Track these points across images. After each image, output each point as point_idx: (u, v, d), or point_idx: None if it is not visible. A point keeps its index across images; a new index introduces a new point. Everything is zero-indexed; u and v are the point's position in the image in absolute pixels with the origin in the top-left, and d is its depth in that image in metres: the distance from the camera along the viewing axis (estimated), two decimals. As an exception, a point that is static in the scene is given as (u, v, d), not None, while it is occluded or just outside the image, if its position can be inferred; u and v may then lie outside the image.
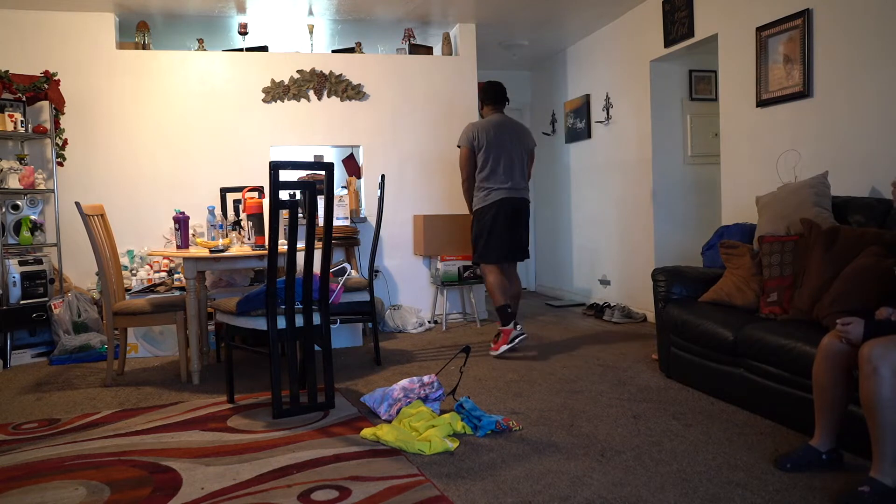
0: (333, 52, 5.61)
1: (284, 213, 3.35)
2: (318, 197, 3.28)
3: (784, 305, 3.08)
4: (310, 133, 5.42)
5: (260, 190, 4.48)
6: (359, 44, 5.60)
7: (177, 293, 4.41)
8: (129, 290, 4.56)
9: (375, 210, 4.41)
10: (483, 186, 4.28)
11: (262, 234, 3.72)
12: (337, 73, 5.40)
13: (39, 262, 4.54)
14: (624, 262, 5.71)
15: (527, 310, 6.02)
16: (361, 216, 5.41)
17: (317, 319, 3.17)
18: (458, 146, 4.39)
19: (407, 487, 2.25)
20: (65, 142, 4.91)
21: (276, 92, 5.30)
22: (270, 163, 2.82)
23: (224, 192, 4.79)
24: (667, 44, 4.95)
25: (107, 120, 5.03)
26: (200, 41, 5.28)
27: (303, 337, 3.13)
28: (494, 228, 4.23)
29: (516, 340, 4.16)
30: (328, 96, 5.42)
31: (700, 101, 5.32)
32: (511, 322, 4.19)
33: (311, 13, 5.23)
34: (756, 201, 3.62)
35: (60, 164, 4.90)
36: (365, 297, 4.12)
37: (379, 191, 4.35)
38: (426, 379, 3.10)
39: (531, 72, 7.44)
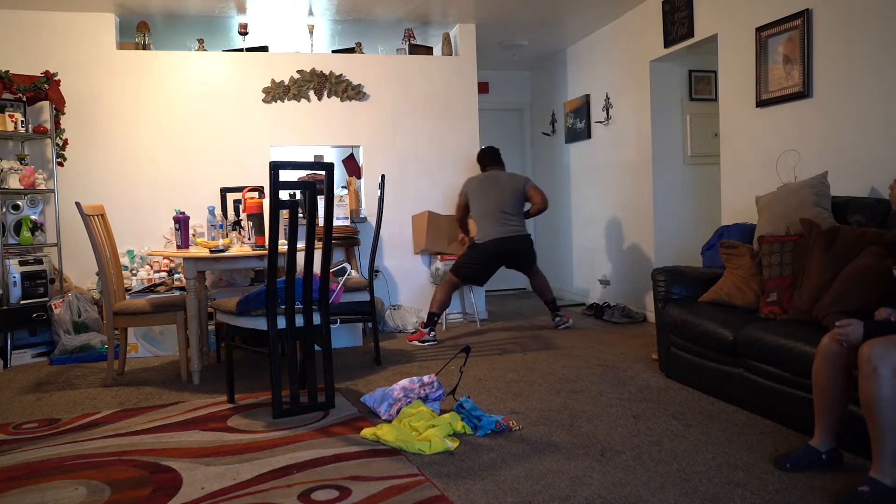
0: (333, 52, 5.61)
1: (284, 213, 3.36)
2: (318, 197, 3.28)
3: (784, 305, 3.08)
4: (310, 133, 5.42)
5: (260, 190, 4.49)
6: (359, 44, 5.60)
7: (177, 293, 4.41)
8: (130, 290, 4.56)
9: (375, 210, 4.42)
10: (479, 229, 4.94)
11: (262, 234, 3.72)
12: (337, 74, 5.41)
13: (40, 262, 4.54)
14: (624, 262, 5.71)
15: (527, 310, 6.02)
16: (361, 216, 5.41)
17: (317, 319, 3.17)
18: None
19: (407, 487, 2.25)
20: (65, 142, 4.92)
21: (277, 92, 5.30)
22: (270, 163, 2.82)
23: (224, 192, 4.79)
24: (667, 44, 4.95)
25: (107, 120, 5.03)
26: (200, 41, 5.28)
27: (303, 337, 3.14)
28: (478, 263, 4.88)
29: (426, 344, 4.71)
30: (328, 96, 5.42)
31: (700, 102, 5.32)
32: (433, 327, 4.76)
33: (311, 13, 5.23)
34: (756, 201, 3.62)
35: (61, 164, 4.90)
36: (365, 297, 4.13)
37: (379, 191, 4.35)
38: (426, 379, 3.10)
39: (531, 72, 7.44)
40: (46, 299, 4.51)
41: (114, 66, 5.02)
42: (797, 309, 2.94)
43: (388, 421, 2.93)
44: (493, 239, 4.82)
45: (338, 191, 5.36)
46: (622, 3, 5.24)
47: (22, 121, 4.62)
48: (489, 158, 5.16)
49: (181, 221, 4.04)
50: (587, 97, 6.14)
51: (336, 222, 5.05)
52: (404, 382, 3.09)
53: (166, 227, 5.01)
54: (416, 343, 4.70)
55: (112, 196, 4.94)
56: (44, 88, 4.67)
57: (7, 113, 4.56)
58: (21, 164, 4.65)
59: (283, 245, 3.34)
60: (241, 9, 5.07)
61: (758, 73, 4.07)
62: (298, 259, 3.14)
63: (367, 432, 2.77)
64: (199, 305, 3.87)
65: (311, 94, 5.39)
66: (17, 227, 4.60)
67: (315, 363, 3.18)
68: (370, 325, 4.37)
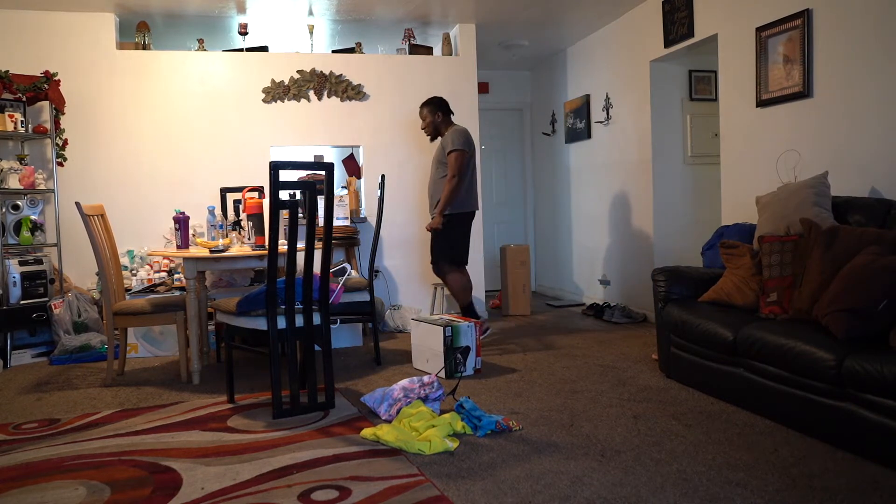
0: (333, 52, 5.61)
1: (284, 213, 3.36)
2: (318, 197, 3.28)
3: (784, 305, 3.08)
4: (310, 133, 5.42)
5: (260, 190, 4.49)
6: (359, 44, 5.60)
7: (177, 293, 4.41)
8: (130, 290, 4.56)
9: (375, 210, 4.42)
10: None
11: (262, 234, 3.73)
12: (337, 74, 5.41)
13: (39, 262, 4.54)
14: (624, 262, 5.71)
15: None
16: (361, 216, 5.41)
17: (317, 319, 3.17)
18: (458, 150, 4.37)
19: (407, 487, 2.25)
20: (65, 142, 4.91)
21: (276, 92, 5.30)
22: (270, 163, 2.82)
23: (224, 192, 4.79)
24: (667, 44, 4.95)
25: (107, 120, 5.03)
26: (200, 41, 5.28)
27: (303, 337, 3.14)
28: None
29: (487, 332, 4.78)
30: (328, 96, 5.42)
31: (700, 101, 5.32)
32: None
33: (311, 13, 5.23)
34: (756, 201, 3.62)
35: (60, 164, 4.90)
36: (365, 297, 4.13)
37: (379, 191, 4.35)
38: (426, 379, 3.10)
39: (531, 72, 7.44)
40: (46, 299, 4.51)
41: (114, 66, 5.02)
42: (797, 309, 2.94)
43: (388, 421, 2.93)
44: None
45: (338, 191, 5.36)
46: (622, 3, 5.24)
47: (22, 121, 4.62)
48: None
49: (181, 221, 4.04)
50: (587, 97, 6.14)
51: (336, 222, 5.05)
52: (404, 382, 3.09)
53: (166, 227, 5.01)
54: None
55: (112, 196, 4.94)
56: (43, 88, 4.67)
57: (7, 113, 4.56)
58: (21, 164, 4.65)
59: (283, 245, 3.34)
60: (241, 9, 5.07)
61: (758, 73, 4.07)
62: (298, 259, 3.14)
63: (367, 432, 2.77)
64: (199, 305, 3.87)
65: (311, 94, 5.39)
66: (17, 227, 4.60)
67: (315, 363, 3.18)
68: (370, 325, 4.37)
